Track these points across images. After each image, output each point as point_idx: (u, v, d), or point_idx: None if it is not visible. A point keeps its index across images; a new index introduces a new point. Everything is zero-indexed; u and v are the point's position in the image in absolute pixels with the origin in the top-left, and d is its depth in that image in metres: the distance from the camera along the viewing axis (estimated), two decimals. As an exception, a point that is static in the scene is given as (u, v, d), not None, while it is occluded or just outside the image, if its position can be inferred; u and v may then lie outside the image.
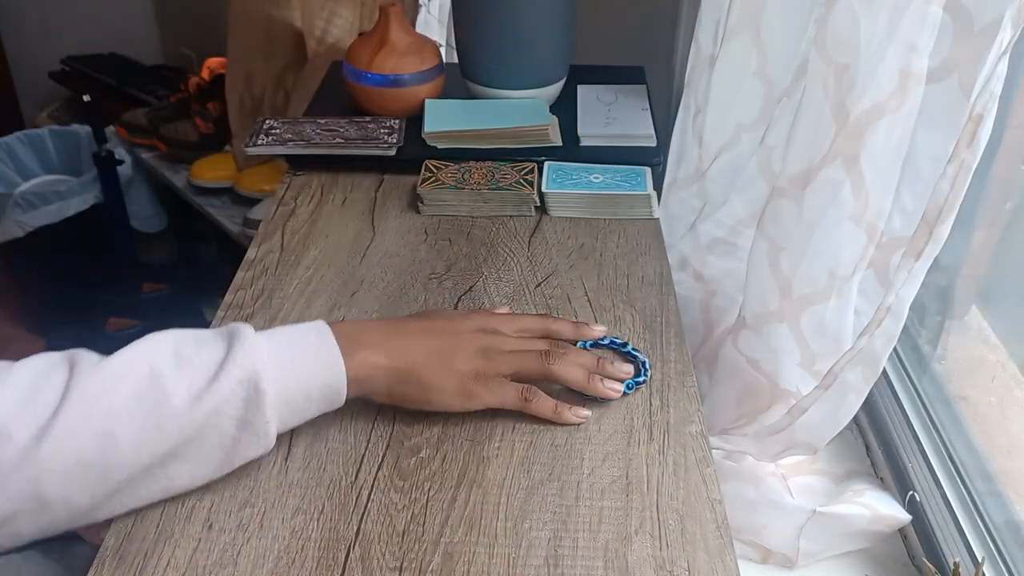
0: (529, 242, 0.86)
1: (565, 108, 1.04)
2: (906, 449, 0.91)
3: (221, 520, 0.57)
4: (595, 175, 0.91)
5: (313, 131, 0.97)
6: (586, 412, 0.64)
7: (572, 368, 0.65)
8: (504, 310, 0.74)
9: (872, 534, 0.87)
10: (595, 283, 0.80)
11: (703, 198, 1.04)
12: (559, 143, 0.97)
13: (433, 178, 0.91)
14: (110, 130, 1.96)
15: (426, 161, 0.93)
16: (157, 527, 0.57)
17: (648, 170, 0.93)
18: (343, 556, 0.55)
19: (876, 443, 0.96)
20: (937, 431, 0.90)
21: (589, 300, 0.78)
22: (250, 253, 0.83)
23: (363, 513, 0.58)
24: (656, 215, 0.90)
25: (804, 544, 0.85)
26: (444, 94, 1.05)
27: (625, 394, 0.66)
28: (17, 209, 1.83)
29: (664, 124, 1.07)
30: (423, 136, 0.97)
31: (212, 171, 1.83)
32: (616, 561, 0.55)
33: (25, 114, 2.39)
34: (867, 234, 0.74)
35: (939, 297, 0.97)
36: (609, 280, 0.80)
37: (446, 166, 0.93)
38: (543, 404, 0.64)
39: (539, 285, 0.80)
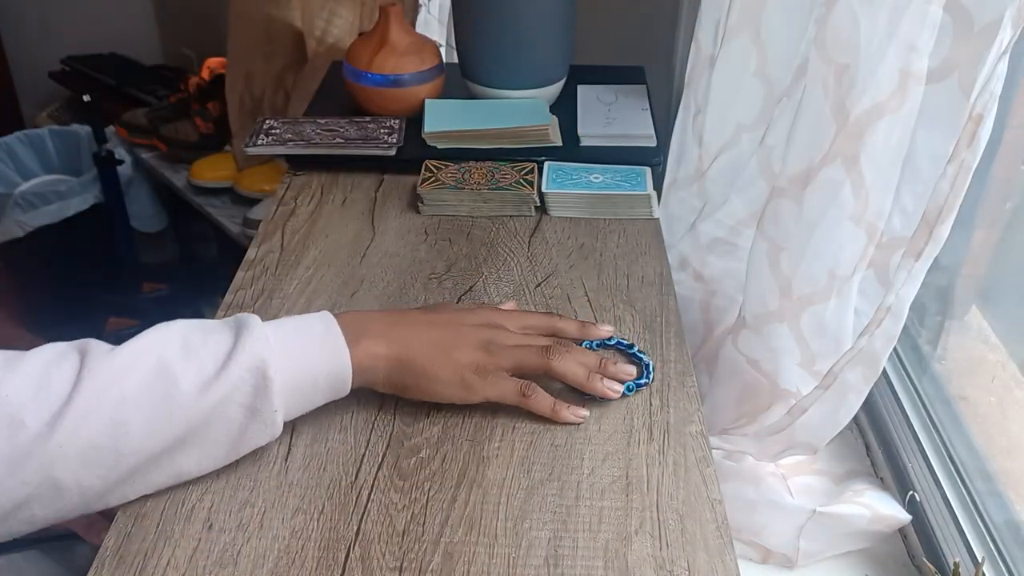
0: (529, 242, 0.86)
1: (565, 108, 1.04)
2: (906, 449, 0.91)
3: (221, 520, 0.57)
4: (595, 175, 0.91)
5: (313, 131, 0.97)
6: (584, 412, 0.64)
7: (572, 365, 0.65)
8: (510, 305, 0.74)
9: (872, 534, 0.87)
10: (595, 283, 0.80)
11: (703, 198, 1.04)
12: (559, 143, 0.97)
13: (433, 178, 0.91)
14: (110, 130, 1.96)
15: (426, 161, 0.93)
16: (157, 527, 0.57)
17: (648, 170, 0.93)
18: (343, 556, 0.55)
19: (876, 443, 0.96)
20: (937, 431, 0.90)
21: (589, 300, 0.78)
22: (250, 253, 0.83)
23: (363, 513, 0.58)
24: (656, 215, 0.90)
25: (804, 544, 0.85)
26: (444, 94, 1.05)
27: (625, 395, 0.66)
28: (17, 209, 1.83)
29: (664, 124, 1.07)
30: (423, 136, 0.97)
31: (212, 171, 1.83)
32: (616, 561, 0.55)
33: (25, 114, 2.39)
34: (867, 234, 0.74)
35: (939, 297, 0.97)
36: (609, 280, 0.80)
37: (446, 166, 0.93)
38: (541, 401, 0.64)
39: (539, 285, 0.80)
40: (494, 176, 0.91)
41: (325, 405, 0.63)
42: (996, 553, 0.79)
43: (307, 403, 0.61)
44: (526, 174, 0.91)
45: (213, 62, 1.86)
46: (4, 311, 2.01)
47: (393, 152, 0.95)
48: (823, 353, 0.81)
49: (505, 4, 0.98)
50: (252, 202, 1.76)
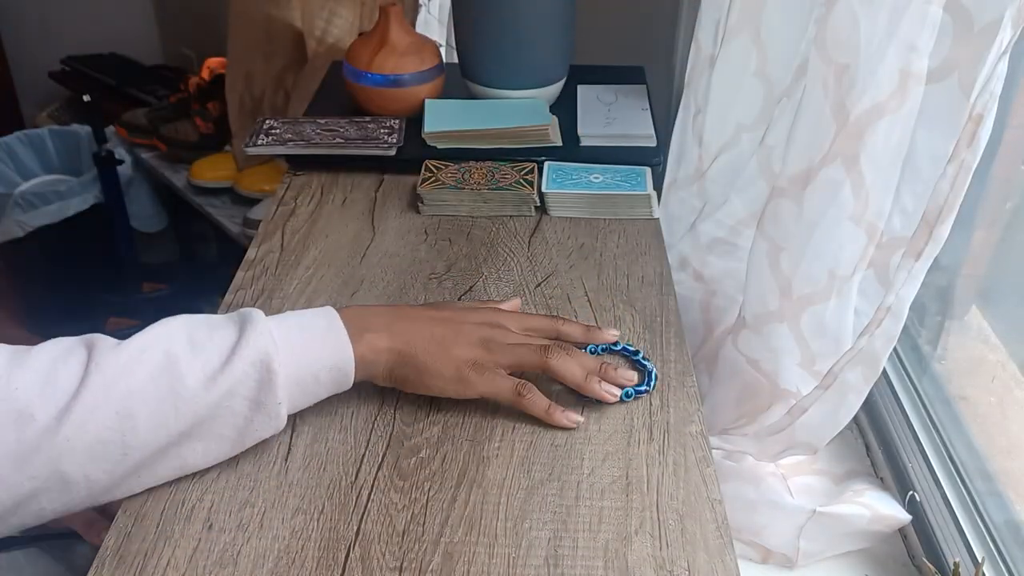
0: (529, 242, 0.86)
1: (565, 108, 1.04)
2: (906, 449, 0.91)
3: (221, 520, 0.57)
4: (595, 175, 0.91)
5: (313, 131, 0.97)
6: (578, 417, 0.64)
7: (570, 365, 0.65)
8: (513, 303, 0.74)
9: (872, 534, 0.87)
10: (595, 283, 0.80)
11: (703, 198, 1.04)
12: (559, 143, 0.97)
13: (433, 178, 0.91)
14: (110, 130, 1.96)
15: (426, 161, 0.93)
16: (157, 527, 0.57)
17: (648, 170, 0.93)
18: (343, 556, 0.55)
19: (876, 443, 0.96)
20: (937, 431, 0.90)
21: (589, 300, 0.78)
22: (250, 253, 0.83)
23: (363, 513, 0.58)
24: (656, 215, 0.90)
25: (804, 544, 0.85)
26: (444, 94, 1.05)
27: (623, 401, 0.66)
28: (17, 209, 1.83)
29: (664, 124, 1.07)
30: (423, 136, 0.97)
31: (212, 171, 1.83)
32: (616, 561, 0.55)
33: (25, 114, 2.39)
34: (867, 234, 0.74)
35: (939, 297, 0.97)
36: (609, 280, 0.80)
37: (446, 166, 0.93)
38: (536, 401, 0.64)
39: (539, 285, 0.80)
40: (494, 176, 0.91)
41: (326, 404, 0.64)
42: (996, 553, 0.79)
43: (311, 396, 0.61)
44: (526, 174, 0.91)
45: (213, 62, 1.86)
46: (4, 311, 2.02)
47: (393, 152, 0.95)
48: (823, 353, 0.81)
49: (505, 4, 0.98)
50: (252, 202, 1.76)
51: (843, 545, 0.88)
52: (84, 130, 1.99)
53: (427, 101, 1.01)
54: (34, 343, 0.56)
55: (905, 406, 0.94)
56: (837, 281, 0.77)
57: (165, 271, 2.16)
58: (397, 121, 0.99)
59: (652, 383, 0.68)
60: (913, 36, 0.65)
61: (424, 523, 0.57)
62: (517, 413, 0.65)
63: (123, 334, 0.57)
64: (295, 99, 1.60)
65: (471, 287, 0.79)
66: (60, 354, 0.55)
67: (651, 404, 0.66)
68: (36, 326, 1.98)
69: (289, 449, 0.62)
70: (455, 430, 0.64)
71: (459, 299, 0.78)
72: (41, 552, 0.74)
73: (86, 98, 1.85)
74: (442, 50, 1.15)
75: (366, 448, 0.62)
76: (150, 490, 0.58)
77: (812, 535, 0.85)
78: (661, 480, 0.60)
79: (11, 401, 0.52)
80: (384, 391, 0.66)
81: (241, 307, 0.75)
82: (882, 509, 0.86)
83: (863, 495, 0.88)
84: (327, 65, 1.20)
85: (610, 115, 1.02)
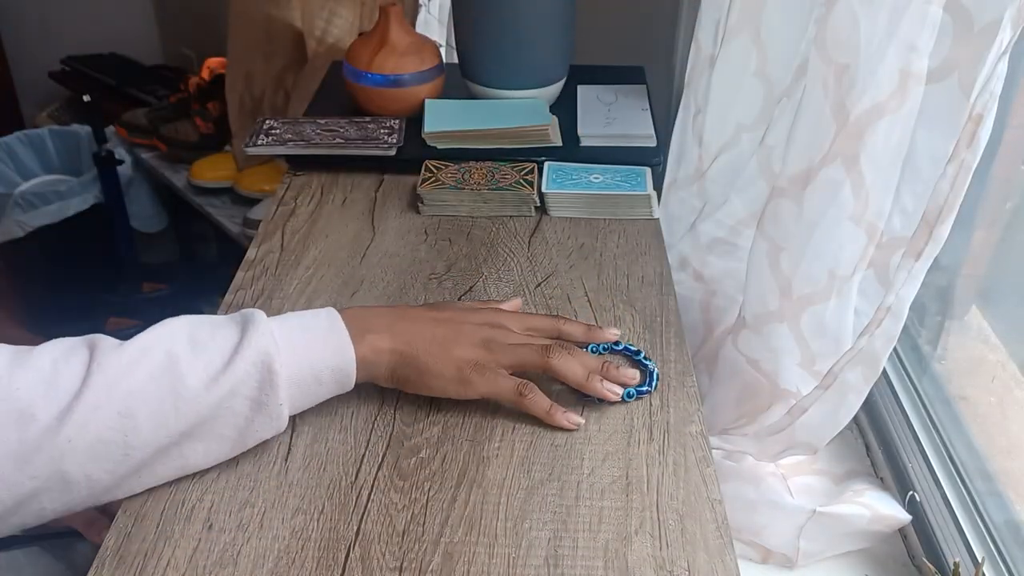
0: (529, 242, 0.86)
1: (565, 108, 1.04)
2: (906, 449, 0.91)
3: (221, 520, 0.57)
4: (595, 175, 0.91)
5: (313, 131, 0.97)
6: (579, 419, 0.64)
7: (572, 364, 0.65)
8: (514, 303, 0.74)
9: (872, 534, 0.87)
10: (595, 283, 0.80)
11: (703, 198, 1.04)
12: (559, 143, 0.97)
13: (433, 178, 0.91)
14: (110, 130, 1.96)
15: (426, 161, 0.93)
16: (157, 527, 0.57)
17: (648, 170, 0.93)
18: (343, 556, 0.55)
19: (876, 443, 0.96)
20: (937, 431, 0.90)
21: (589, 300, 0.78)
22: (250, 253, 0.83)
23: (363, 513, 0.58)
24: (656, 215, 0.90)
25: (804, 544, 0.85)
26: (444, 94, 1.05)
27: (624, 401, 0.66)
28: (17, 209, 1.83)
29: (664, 124, 1.07)
30: (423, 136, 0.97)
31: (212, 171, 1.83)
32: (616, 561, 0.55)
33: (25, 114, 2.39)
34: (867, 234, 0.74)
35: (939, 297, 0.97)
36: (609, 280, 0.80)
37: (446, 166, 0.93)
38: (537, 402, 0.64)
39: (539, 285, 0.80)
40: (494, 176, 0.91)
41: (326, 404, 0.64)
42: (996, 553, 0.79)
43: (312, 397, 0.61)
44: (526, 174, 0.91)
45: (213, 62, 1.86)
46: (4, 311, 2.02)
47: (393, 152, 0.95)
48: (823, 353, 0.81)
49: (505, 4, 0.98)
50: (252, 202, 1.76)
51: (843, 545, 0.88)
52: (84, 130, 1.99)
53: (427, 101, 1.01)
54: (34, 343, 0.56)
55: (905, 406, 0.94)
56: (837, 281, 0.77)
57: (165, 271, 2.16)
58: (397, 121, 0.99)
59: (654, 383, 0.68)
60: (913, 36, 0.65)
61: (424, 523, 0.57)
62: (517, 413, 0.65)
63: (123, 334, 0.57)
64: (295, 99, 1.60)
65: (471, 287, 0.79)
66: (62, 354, 0.56)
67: (651, 404, 0.66)
68: (36, 326, 1.98)
69: (289, 449, 0.62)
70: (455, 430, 0.64)
71: (459, 299, 0.78)
72: (42, 551, 0.74)
73: (86, 98, 1.85)
74: (442, 50, 1.15)
75: (366, 448, 0.62)
76: (150, 490, 0.59)
77: (812, 535, 0.85)
78: (661, 480, 0.60)
79: (13, 401, 0.52)
80: (384, 391, 0.66)
81: (241, 307, 0.75)
82: (882, 509, 0.86)
83: (863, 495, 0.88)
84: (327, 65, 1.20)
85: (610, 115, 1.02)
